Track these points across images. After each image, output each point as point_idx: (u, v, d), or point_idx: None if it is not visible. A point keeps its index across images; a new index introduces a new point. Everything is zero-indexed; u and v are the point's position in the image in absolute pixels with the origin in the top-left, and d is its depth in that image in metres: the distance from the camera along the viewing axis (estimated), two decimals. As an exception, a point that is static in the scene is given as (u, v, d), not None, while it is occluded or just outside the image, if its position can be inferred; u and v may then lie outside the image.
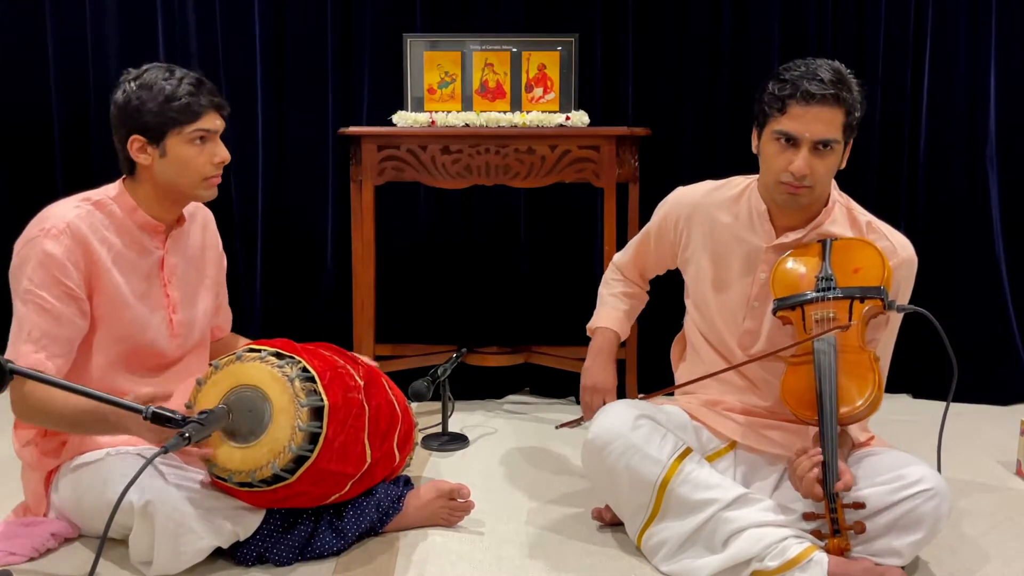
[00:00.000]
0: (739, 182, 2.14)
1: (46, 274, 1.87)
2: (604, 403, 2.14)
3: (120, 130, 1.96)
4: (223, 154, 2.00)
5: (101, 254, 1.94)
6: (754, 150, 2.02)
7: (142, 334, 2.01)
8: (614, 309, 2.32)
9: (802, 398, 1.89)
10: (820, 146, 1.90)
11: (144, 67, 1.97)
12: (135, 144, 1.94)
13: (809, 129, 1.88)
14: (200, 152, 1.96)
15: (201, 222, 2.21)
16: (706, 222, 2.13)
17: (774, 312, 1.99)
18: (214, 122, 1.98)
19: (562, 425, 2.35)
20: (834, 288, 1.93)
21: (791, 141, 1.91)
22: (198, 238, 2.18)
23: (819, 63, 1.93)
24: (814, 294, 1.94)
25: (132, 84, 1.94)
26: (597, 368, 2.21)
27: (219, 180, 2.03)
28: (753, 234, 2.06)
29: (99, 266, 1.94)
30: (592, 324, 2.32)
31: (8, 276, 1.94)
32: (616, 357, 2.26)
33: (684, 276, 2.23)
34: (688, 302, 2.23)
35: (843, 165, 1.99)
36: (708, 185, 2.18)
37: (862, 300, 1.91)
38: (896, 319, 2.02)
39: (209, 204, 2.14)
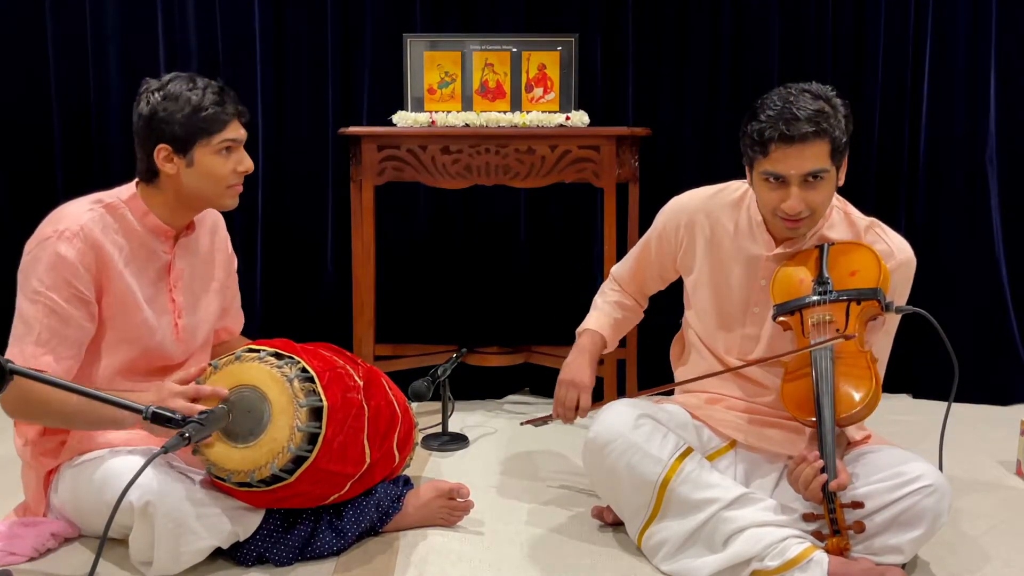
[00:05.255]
0: (738, 186, 2.14)
1: (57, 276, 1.86)
2: (579, 400, 2.15)
3: (146, 141, 1.95)
4: (247, 163, 2.01)
5: (113, 257, 1.94)
6: (748, 184, 2.02)
7: (150, 337, 2.01)
8: (605, 316, 2.30)
9: (800, 401, 1.90)
10: (810, 178, 1.88)
11: (166, 77, 1.97)
12: (161, 153, 1.94)
13: (795, 167, 1.86)
14: (226, 161, 1.97)
15: (211, 226, 2.20)
16: (707, 228, 2.13)
17: (774, 318, 1.99)
18: (238, 131, 1.99)
19: (527, 422, 2.34)
20: (831, 291, 1.93)
21: (780, 179, 1.90)
22: (207, 242, 2.18)
23: (796, 94, 1.87)
24: (811, 298, 1.94)
25: (156, 95, 1.93)
26: (577, 365, 2.20)
27: (241, 188, 2.04)
28: (753, 242, 2.07)
29: (111, 269, 1.93)
30: (580, 327, 2.31)
31: (9, 273, 1.94)
32: (598, 359, 2.25)
33: (684, 281, 2.22)
34: (687, 306, 2.23)
35: (841, 183, 1.97)
36: (707, 190, 2.18)
37: (859, 302, 1.91)
38: (893, 320, 2.02)
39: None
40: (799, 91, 1.89)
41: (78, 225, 1.90)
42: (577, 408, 2.16)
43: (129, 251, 1.98)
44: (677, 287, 2.29)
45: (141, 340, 2.00)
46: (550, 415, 2.23)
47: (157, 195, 2.00)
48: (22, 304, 1.89)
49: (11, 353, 1.86)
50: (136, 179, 2.03)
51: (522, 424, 2.38)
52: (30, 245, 1.92)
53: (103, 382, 1.96)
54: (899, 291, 2.00)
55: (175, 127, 1.91)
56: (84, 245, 1.89)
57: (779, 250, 2.03)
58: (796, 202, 1.88)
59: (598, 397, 3.14)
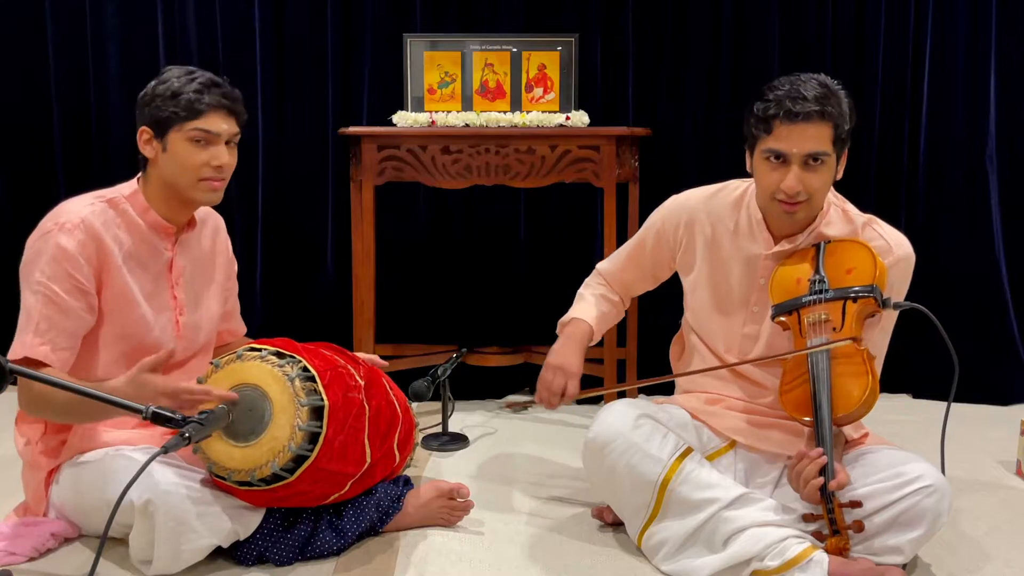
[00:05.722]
0: (736, 186, 2.14)
1: (58, 267, 1.88)
2: (565, 386, 2.10)
3: (137, 123, 1.98)
4: (222, 158, 1.98)
5: (113, 251, 1.95)
6: (748, 169, 2.03)
7: (147, 333, 2.01)
8: (592, 307, 2.27)
9: (798, 401, 1.90)
10: (811, 160, 1.89)
11: (171, 67, 2.00)
12: (143, 136, 1.97)
13: (797, 145, 1.88)
14: (199, 152, 1.95)
15: (212, 228, 2.21)
16: (707, 227, 2.13)
17: (772, 318, 1.99)
18: (219, 124, 1.96)
19: (508, 405, 2.32)
20: (827, 290, 1.93)
21: (781, 158, 1.90)
22: (208, 243, 2.19)
23: (804, 79, 1.91)
24: (808, 297, 1.94)
25: (153, 81, 1.97)
26: (566, 351, 2.16)
27: (219, 184, 2.00)
28: (752, 242, 2.07)
29: (110, 263, 1.94)
30: (566, 317, 2.27)
31: (10, 274, 1.94)
32: (586, 349, 2.21)
33: (682, 280, 2.22)
34: (687, 306, 2.23)
35: (839, 176, 1.98)
36: (706, 191, 2.18)
37: (855, 300, 1.91)
38: (890, 317, 2.02)
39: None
40: (808, 77, 1.92)
41: (79, 218, 1.91)
42: (563, 395, 2.11)
43: (131, 246, 1.98)
44: (676, 288, 2.29)
45: (138, 335, 2.00)
46: (532, 400, 2.20)
47: (150, 186, 2.01)
48: (25, 296, 1.91)
49: (14, 344, 1.88)
50: (138, 174, 2.04)
51: (500, 407, 2.35)
52: (32, 239, 1.93)
53: (103, 375, 1.96)
54: (897, 287, 2.00)
55: (154, 110, 1.94)
56: (85, 237, 1.90)
57: (778, 248, 2.03)
58: (794, 181, 1.89)
59: (597, 395, 3.17)
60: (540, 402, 2.15)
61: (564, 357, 2.16)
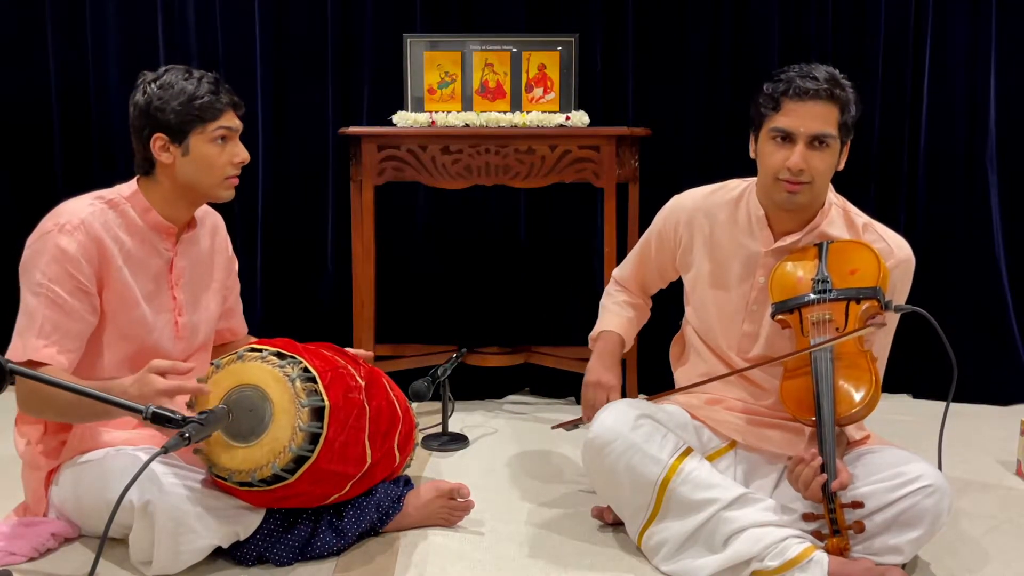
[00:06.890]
0: (736, 185, 2.14)
1: (59, 268, 1.88)
2: (608, 400, 2.12)
3: (142, 130, 1.97)
4: (243, 154, 2.02)
5: (113, 252, 1.95)
6: (752, 155, 2.03)
7: (147, 334, 2.01)
8: (617, 316, 2.31)
9: (800, 400, 1.90)
10: (816, 142, 1.91)
11: (162, 69, 1.99)
12: (157, 142, 1.95)
13: (804, 124, 1.90)
14: (221, 151, 1.98)
15: (211, 227, 2.21)
16: (705, 226, 2.13)
17: (772, 316, 1.99)
18: (234, 121, 2.00)
19: (559, 425, 2.35)
20: (830, 290, 1.93)
21: (787, 138, 1.92)
22: (207, 242, 2.19)
23: (813, 65, 1.96)
24: (811, 296, 1.94)
25: (152, 85, 1.96)
26: (601, 366, 2.19)
27: (237, 181, 2.04)
28: (751, 238, 2.07)
29: (111, 264, 1.94)
30: (595, 331, 2.30)
31: (10, 274, 1.94)
32: (620, 359, 2.25)
33: (683, 279, 2.23)
34: (687, 305, 2.23)
35: (841, 166, 1.99)
36: (705, 189, 2.18)
37: (858, 301, 1.91)
38: (893, 319, 2.02)
39: (209, 204, 2.14)
40: (817, 65, 1.97)
41: (79, 219, 1.91)
42: None
43: (131, 247, 1.98)
44: (677, 287, 2.29)
45: (138, 337, 2.00)
46: (580, 419, 2.23)
47: (155, 188, 2.01)
48: (26, 297, 1.90)
49: (14, 346, 1.87)
50: (136, 176, 2.04)
51: (553, 428, 2.39)
52: (31, 239, 1.93)
53: (108, 376, 1.95)
54: (898, 290, 2.01)
55: (170, 116, 1.93)
56: (85, 238, 1.90)
57: (778, 244, 2.03)
58: (799, 158, 1.90)
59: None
60: (588, 421, 2.16)
61: (600, 373, 2.18)
